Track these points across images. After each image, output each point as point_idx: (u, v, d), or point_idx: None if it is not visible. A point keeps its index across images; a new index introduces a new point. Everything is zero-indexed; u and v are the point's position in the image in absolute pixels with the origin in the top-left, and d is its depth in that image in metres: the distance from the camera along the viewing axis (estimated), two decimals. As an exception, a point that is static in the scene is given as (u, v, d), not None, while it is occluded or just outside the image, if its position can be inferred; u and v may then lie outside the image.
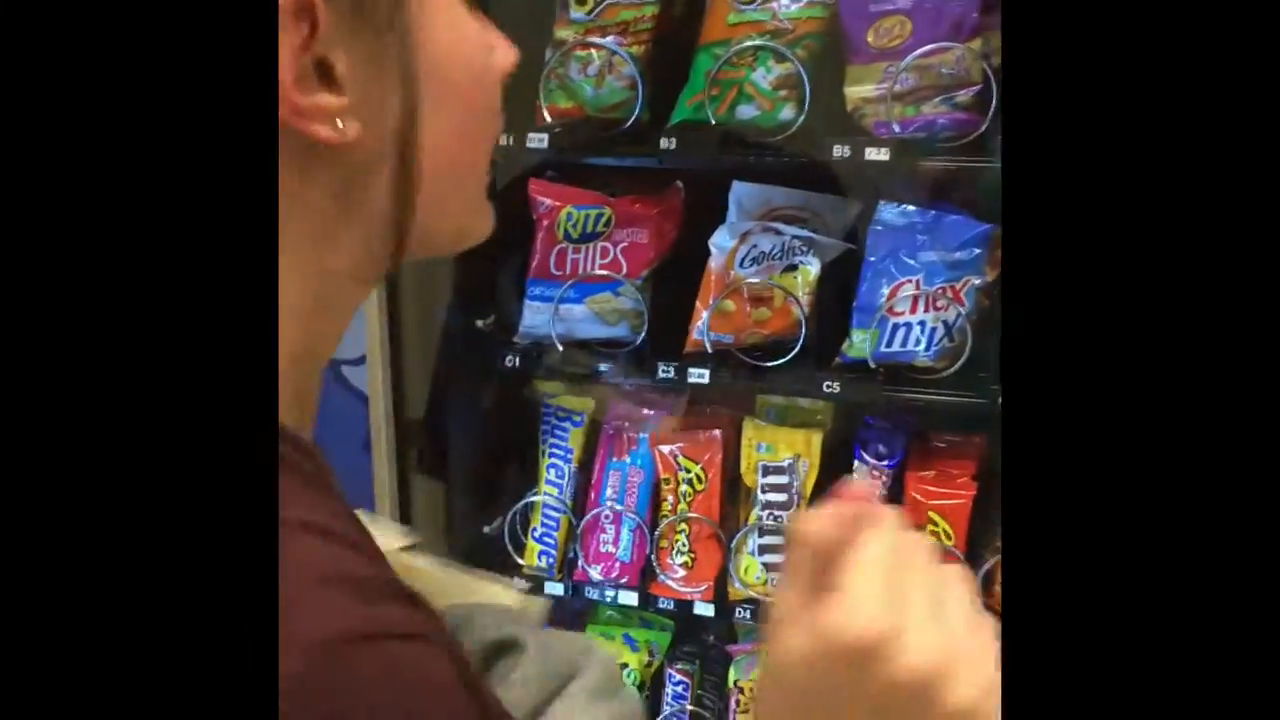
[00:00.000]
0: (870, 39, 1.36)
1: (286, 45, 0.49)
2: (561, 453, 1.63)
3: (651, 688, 1.64)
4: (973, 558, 1.44)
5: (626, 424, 1.62)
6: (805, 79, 1.36)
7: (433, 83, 0.54)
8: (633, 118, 1.42)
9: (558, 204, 1.51)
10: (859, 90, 1.37)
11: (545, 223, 1.51)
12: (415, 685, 0.49)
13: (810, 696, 0.52)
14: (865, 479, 1.49)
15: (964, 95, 1.33)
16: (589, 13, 1.43)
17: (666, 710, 1.63)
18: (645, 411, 1.63)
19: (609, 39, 1.42)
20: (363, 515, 0.59)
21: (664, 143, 1.41)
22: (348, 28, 0.51)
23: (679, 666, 1.64)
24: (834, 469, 1.51)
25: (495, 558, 1.60)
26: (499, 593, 0.78)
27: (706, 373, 1.48)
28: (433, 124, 0.54)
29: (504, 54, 0.60)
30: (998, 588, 1.42)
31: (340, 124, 0.51)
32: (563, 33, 1.45)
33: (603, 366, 1.54)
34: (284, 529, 0.47)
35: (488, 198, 0.61)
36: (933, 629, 0.50)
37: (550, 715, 0.68)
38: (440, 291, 1.57)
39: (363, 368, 1.46)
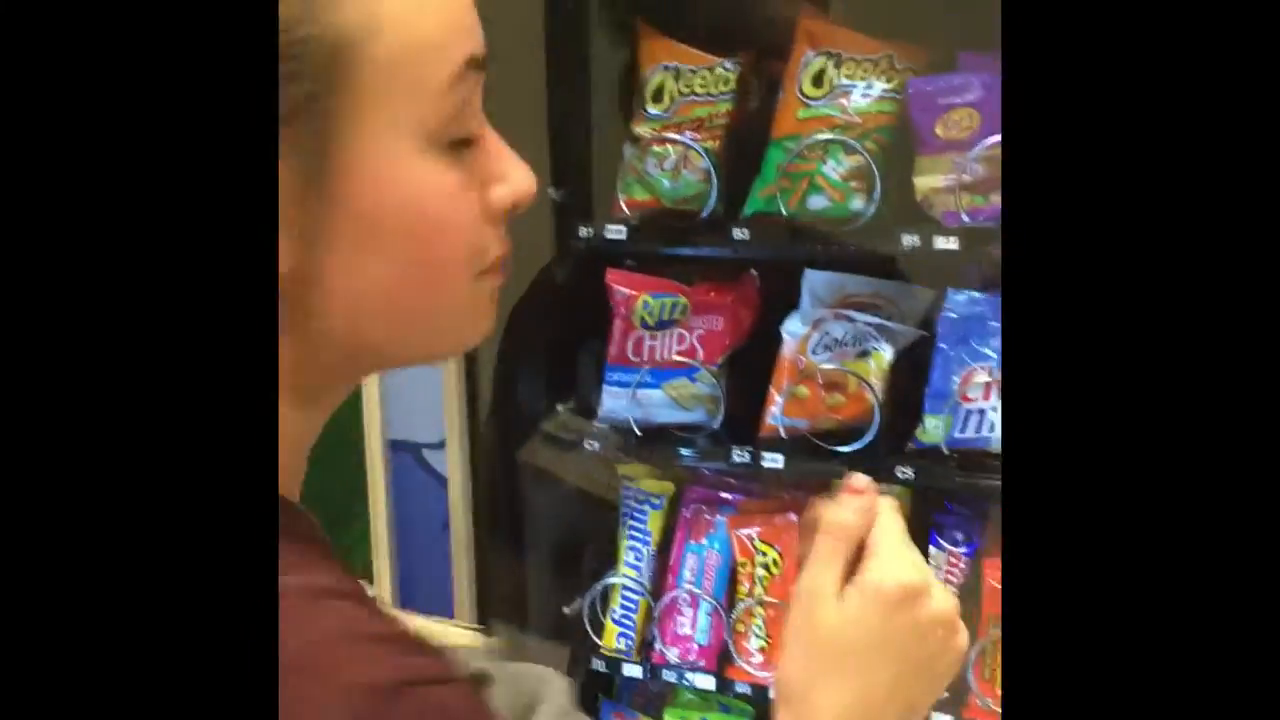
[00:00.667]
0: (939, 131, 1.39)
1: None
2: (641, 535, 1.66)
3: (729, 773, 1.64)
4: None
5: (704, 507, 1.65)
6: (875, 171, 1.39)
7: (361, 232, 0.57)
8: (708, 209, 1.46)
9: (634, 292, 1.55)
10: (928, 181, 1.40)
11: (623, 310, 1.56)
12: None
13: (851, 646, 0.67)
14: (940, 561, 1.49)
15: (1033, 184, 1.35)
16: (665, 110, 1.49)
17: (744, 796, 1.63)
18: (723, 495, 1.65)
19: (684, 134, 1.47)
20: None
21: (737, 233, 1.45)
22: (296, 182, 0.55)
23: (757, 752, 1.64)
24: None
25: (574, 638, 1.63)
26: (453, 633, 0.86)
27: (781, 458, 1.50)
28: (375, 269, 0.58)
29: (512, 188, 0.62)
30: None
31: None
32: (640, 129, 1.51)
33: (682, 451, 1.58)
34: (310, 596, 0.52)
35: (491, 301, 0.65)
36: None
37: None
38: (520, 376, 1.62)
39: (442, 451, 1.52)
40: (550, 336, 1.63)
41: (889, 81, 1.41)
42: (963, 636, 0.71)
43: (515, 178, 0.62)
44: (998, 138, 1.34)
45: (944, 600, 0.69)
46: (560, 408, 1.62)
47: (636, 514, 1.67)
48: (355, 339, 0.60)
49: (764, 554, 1.58)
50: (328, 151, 0.55)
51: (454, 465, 1.52)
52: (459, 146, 0.59)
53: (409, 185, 0.57)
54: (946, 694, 1.41)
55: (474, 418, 1.54)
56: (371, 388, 1.27)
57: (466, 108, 0.59)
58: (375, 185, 0.57)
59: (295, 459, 0.63)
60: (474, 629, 0.92)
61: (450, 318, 0.63)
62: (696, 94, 1.48)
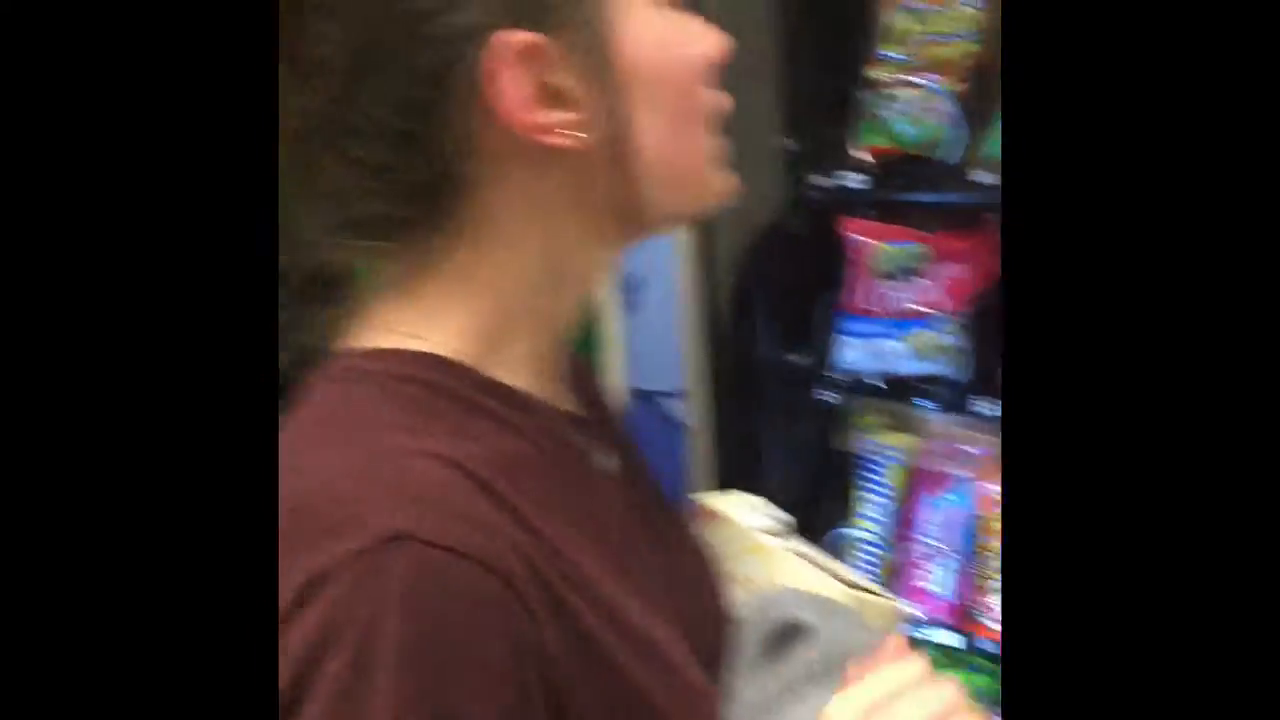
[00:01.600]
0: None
1: (527, 77, 0.58)
2: (880, 489, 1.64)
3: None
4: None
5: (947, 461, 1.61)
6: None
7: (638, 90, 0.61)
8: (954, 155, 1.42)
9: (873, 241, 1.53)
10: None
11: (859, 259, 1.54)
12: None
13: None
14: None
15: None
16: (904, 52, 1.45)
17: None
18: (967, 449, 1.61)
19: (926, 78, 1.43)
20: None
21: (981, 177, 1.40)
22: (569, 58, 0.59)
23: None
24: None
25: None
26: (828, 585, 0.81)
27: (1028, 411, 1.45)
28: (644, 123, 0.62)
29: (709, 44, 0.65)
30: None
31: (574, 134, 0.59)
32: (876, 73, 1.47)
33: (923, 403, 1.55)
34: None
35: (718, 169, 0.67)
36: None
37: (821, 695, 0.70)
38: (755, 327, 1.62)
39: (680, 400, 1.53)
40: (786, 286, 1.62)
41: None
42: None
43: (711, 37, 0.66)
44: None
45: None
46: (794, 358, 1.61)
47: (874, 467, 1.65)
48: (637, 202, 0.64)
49: (1010, 509, 1.53)
50: (604, 26, 0.60)
51: (695, 415, 1.53)
52: (677, 5, 0.64)
53: (664, 40, 0.63)
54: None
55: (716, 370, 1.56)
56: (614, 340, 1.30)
57: None
58: (643, 46, 0.62)
59: (558, 342, 0.67)
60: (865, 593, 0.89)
61: (702, 173, 0.66)
62: (940, 34, 1.43)
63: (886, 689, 0.65)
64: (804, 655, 0.75)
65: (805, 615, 0.76)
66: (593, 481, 0.68)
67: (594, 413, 0.72)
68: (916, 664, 0.67)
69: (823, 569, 0.84)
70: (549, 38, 0.58)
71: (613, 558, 0.64)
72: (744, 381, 1.61)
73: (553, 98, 0.59)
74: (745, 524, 0.87)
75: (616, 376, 1.34)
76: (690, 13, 0.65)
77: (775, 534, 0.85)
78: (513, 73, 0.57)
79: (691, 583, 0.77)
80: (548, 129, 0.59)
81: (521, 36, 0.57)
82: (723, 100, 0.66)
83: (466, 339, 0.62)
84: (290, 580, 0.52)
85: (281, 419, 0.58)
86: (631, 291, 1.46)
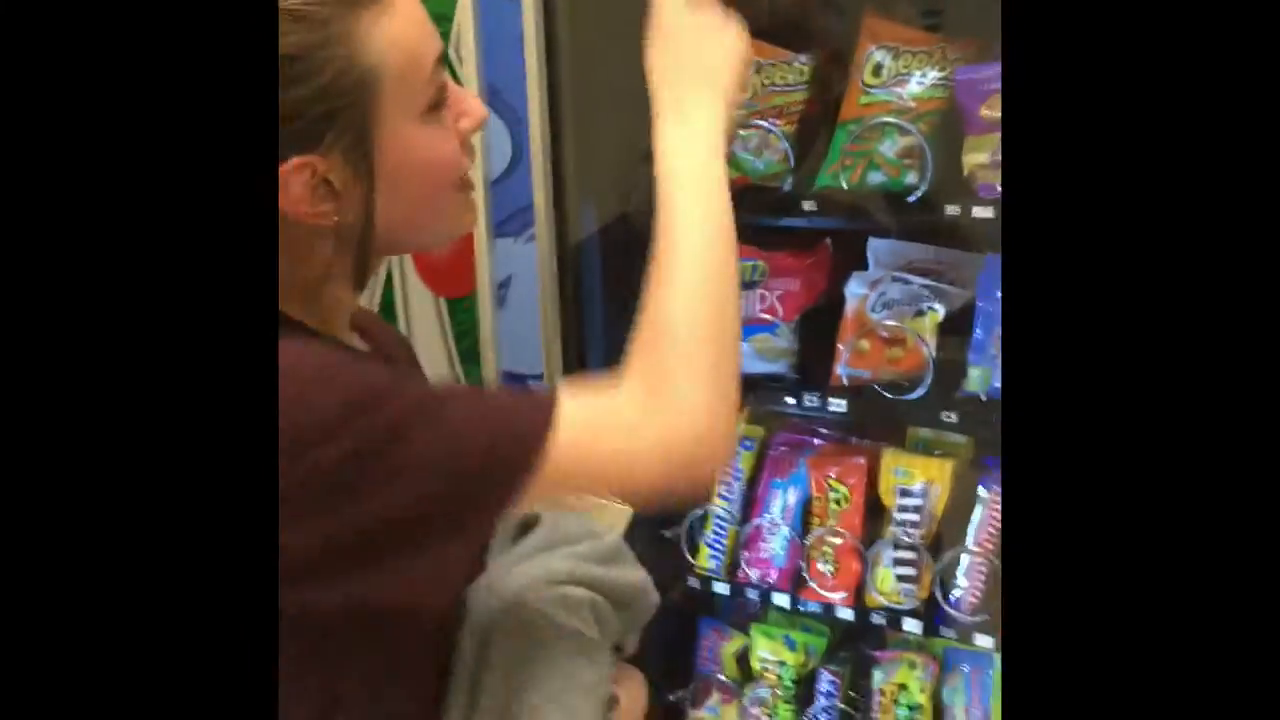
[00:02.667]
0: (984, 113, 1.56)
1: (303, 180, 0.87)
2: (734, 471, 1.89)
3: (806, 685, 1.86)
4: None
5: (788, 449, 1.86)
6: (926, 149, 1.58)
7: (388, 185, 0.91)
8: (786, 185, 1.68)
9: (723, 258, 1.78)
10: (975, 158, 1.57)
11: (713, 273, 1.79)
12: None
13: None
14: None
15: (1067, 161, 1.51)
16: (750, 100, 1.71)
17: (819, 705, 1.84)
18: (806, 439, 1.87)
19: (767, 120, 1.70)
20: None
21: (807, 205, 1.67)
22: (339, 166, 0.89)
23: (831, 668, 1.85)
24: (963, 492, 1.69)
25: (672, 558, 1.88)
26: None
27: (845, 403, 1.70)
28: (389, 206, 0.92)
29: (467, 123, 0.95)
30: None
31: (331, 217, 0.90)
32: (732, 115, 1.74)
33: (766, 397, 1.80)
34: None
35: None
36: None
37: (532, 561, 1.00)
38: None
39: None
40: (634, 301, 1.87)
41: (941, 70, 1.60)
42: (736, 39, 1.06)
43: (472, 109, 0.96)
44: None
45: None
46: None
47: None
48: (390, 244, 0.96)
49: (836, 491, 1.78)
50: (368, 138, 0.89)
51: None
52: (438, 109, 0.92)
53: (417, 145, 0.91)
54: (987, 616, 1.60)
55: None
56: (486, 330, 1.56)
57: (441, 83, 0.92)
58: (398, 151, 0.90)
59: (347, 311, 1.01)
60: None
61: (446, 221, 0.99)
62: (776, 85, 1.70)
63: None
64: (536, 535, 1.04)
65: (534, 512, 1.05)
66: None
67: (374, 348, 1.05)
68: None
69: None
70: (326, 152, 0.87)
71: None
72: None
73: (326, 193, 0.89)
74: None
75: (489, 360, 1.60)
76: (462, 91, 0.95)
77: None
78: (296, 179, 0.87)
79: None
80: (313, 215, 0.89)
81: (296, 162, 0.86)
82: (472, 158, 0.97)
83: (294, 309, 0.93)
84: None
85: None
86: (501, 288, 1.72)
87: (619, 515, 1.26)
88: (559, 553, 1.07)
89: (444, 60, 0.95)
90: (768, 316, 1.77)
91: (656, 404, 0.89)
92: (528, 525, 1.10)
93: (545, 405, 0.86)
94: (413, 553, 0.84)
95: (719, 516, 1.88)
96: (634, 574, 1.14)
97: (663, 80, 1.03)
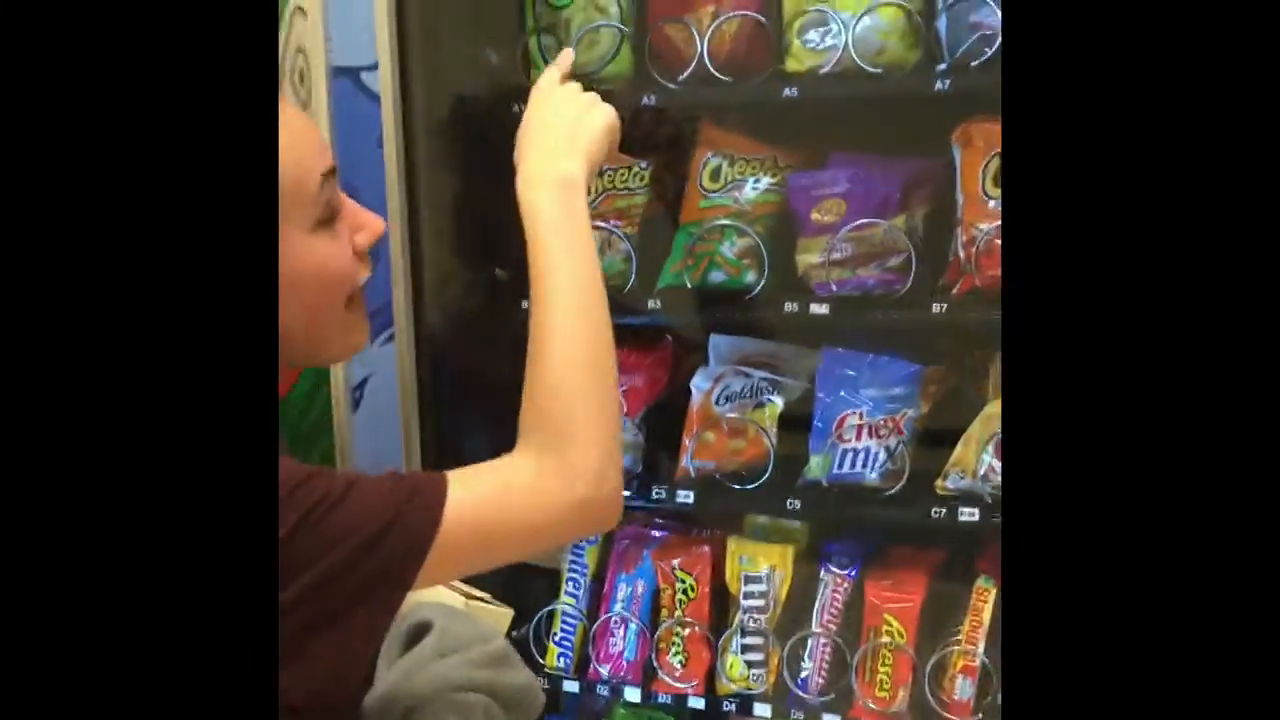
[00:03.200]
0: (814, 216, 1.67)
1: None
2: (579, 567, 1.91)
3: (658, 779, 1.87)
4: (921, 652, 1.66)
5: (633, 543, 1.89)
6: (763, 250, 1.67)
7: (287, 292, 0.89)
8: (628, 284, 1.74)
9: (568, 355, 1.82)
10: (807, 258, 1.68)
11: (558, 371, 1.83)
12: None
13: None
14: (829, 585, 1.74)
15: (893, 261, 1.63)
16: (592, 202, 1.77)
17: (669, 801, 1.85)
18: (650, 532, 1.90)
19: (609, 222, 1.76)
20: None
21: (650, 304, 1.73)
22: None
23: (680, 760, 1.87)
24: (803, 577, 1.76)
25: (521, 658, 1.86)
26: (454, 598, 1.11)
27: (692, 494, 1.75)
28: (291, 313, 0.91)
29: (363, 236, 0.99)
30: (946, 680, 1.64)
31: None
32: (573, 218, 1.80)
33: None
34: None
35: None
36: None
37: (427, 669, 1.01)
38: (466, 436, 1.88)
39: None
40: (496, 397, 1.88)
41: (773, 176, 1.70)
42: (603, 110, 1.14)
43: (369, 223, 0.99)
44: (861, 221, 1.62)
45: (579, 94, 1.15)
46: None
47: (575, 549, 1.91)
48: (294, 351, 0.96)
49: (683, 580, 1.82)
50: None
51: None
52: (331, 222, 0.95)
53: (307, 255, 0.94)
54: (833, 695, 1.66)
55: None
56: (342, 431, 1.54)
57: (332, 197, 0.95)
58: (290, 261, 0.91)
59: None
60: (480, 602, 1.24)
61: (339, 335, 1.00)
62: (617, 188, 1.77)
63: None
64: (428, 642, 1.04)
65: (429, 615, 1.05)
66: None
67: None
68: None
69: (455, 589, 1.16)
70: None
71: None
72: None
73: None
74: None
75: (345, 461, 1.57)
76: (359, 207, 0.98)
77: None
78: None
79: None
80: None
81: None
82: (367, 272, 0.99)
83: None
84: None
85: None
86: (356, 390, 1.70)
87: (502, 617, 1.27)
88: (451, 660, 1.07)
89: (333, 174, 0.97)
90: (613, 412, 1.81)
91: (554, 461, 0.96)
92: (419, 633, 1.10)
93: (442, 480, 0.93)
94: (326, 625, 0.86)
95: (566, 614, 1.89)
96: (522, 675, 1.16)
97: (528, 139, 1.08)
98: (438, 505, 0.91)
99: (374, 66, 1.50)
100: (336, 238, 0.96)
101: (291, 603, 0.83)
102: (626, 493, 1.74)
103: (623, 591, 1.88)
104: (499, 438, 1.83)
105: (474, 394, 1.79)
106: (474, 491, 0.94)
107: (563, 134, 1.10)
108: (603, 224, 1.75)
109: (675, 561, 1.84)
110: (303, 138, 0.95)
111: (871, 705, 1.67)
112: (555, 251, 1.03)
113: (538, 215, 1.05)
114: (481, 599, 1.25)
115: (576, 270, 1.03)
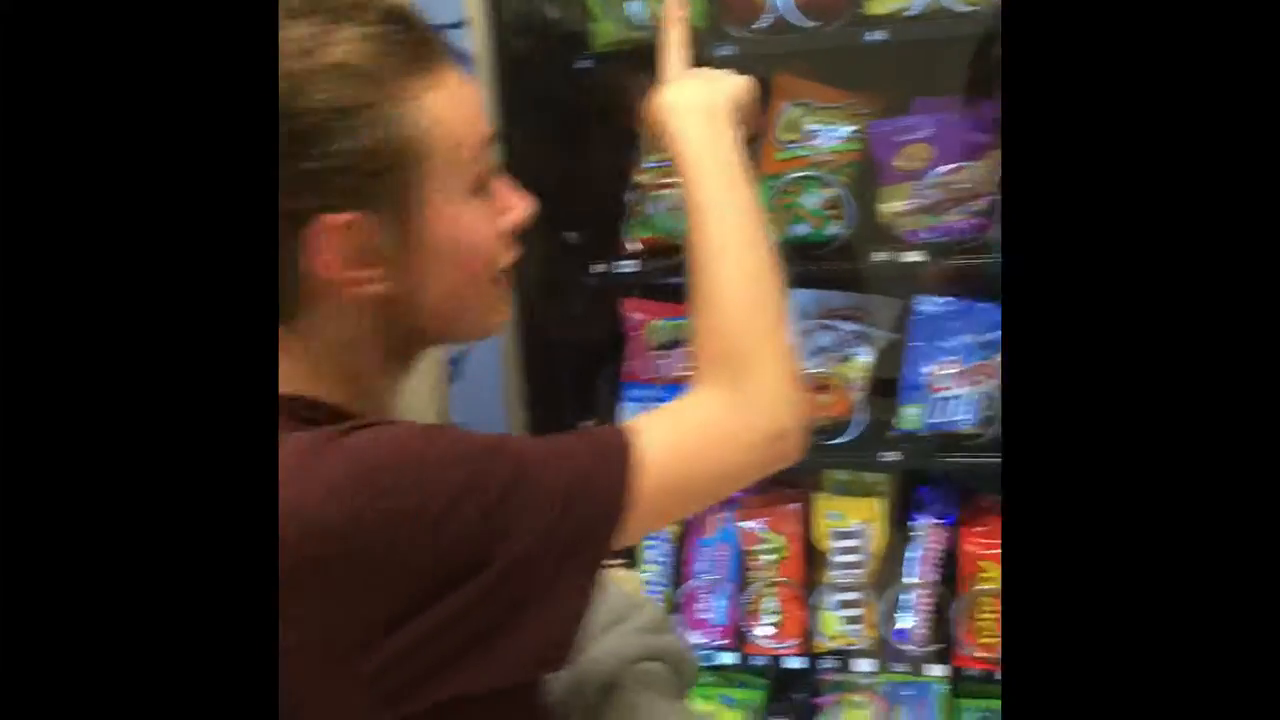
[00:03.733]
0: (897, 164, 1.65)
1: (343, 244, 0.81)
2: (659, 534, 1.88)
3: (751, 742, 1.85)
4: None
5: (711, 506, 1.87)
6: (847, 200, 1.65)
7: (433, 260, 0.85)
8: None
9: (646, 317, 1.79)
10: (891, 206, 1.65)
11: (636, 334, 1.79)
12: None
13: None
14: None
15: (979, 204, 1.61)
16: (663, 159, 1.73)
17: (765, 761, 1.83)
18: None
19: (681, 179, 1.72)
20: None
21: (732, 260, 1.69)
22: (381, 231, 0.83)
23: (773, 721, 1.85)
24: (893, 529, 1.75)
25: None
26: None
27: (781, 452, 1.72)
28: (433, 282, 0.86)
29: (512, 217, 0.91)
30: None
31: (372, 287, 0.84)
32: (640, 178, 1.76)
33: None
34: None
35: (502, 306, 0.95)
36: None
37: (600, 643, 0.97)
38: (546, 397, 1.84)
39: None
40: (572, 361, 1.85)
41: (854, 125, 1.68)
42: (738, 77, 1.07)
43: (519, 206, 0.92)
44: (949, 166, 1.60)
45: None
46: (581, 425, 1.84)
47: (654, 516, 1.88)
48: (424, 330, 0.90)
49: (771, 541, 1.80)
50: (409, 212, 0.84)
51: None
52: (482, 192, 0.89)
53: (460, 223, 0.87)
54: (942, 645, 1.64)
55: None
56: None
57: (485, 168, 0.89)
58: (442, 225, 0.86)
59: (394, 398, 0.94)
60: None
61: (479, 313, 0.93)
62: (690, 145, 1.73)
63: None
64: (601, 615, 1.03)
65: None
66: None
67: None
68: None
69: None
70: (367, 214, 0.82)
71: None
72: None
73: (366, 257, 0.83)
74: None
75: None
76: (510, 187, 0.91)
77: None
78: (330, 241, 0.81)
79: None
80: (354, 282, 0.83)
81: (341, 217, 0.80)
82: (513, 254, 0.92)
83: (307, 384, 0.86)
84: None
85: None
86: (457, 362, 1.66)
87: (636, 580, 1.23)
88: (617, 631, 1.04)
89: (490, 142, 0.91)
90: (693, 373, 1.77)
91: (740, 396, 0.91)
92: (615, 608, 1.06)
93: (624, 432, 0.87)
94: (540, 593, 0.82)
95: (650, 582, 1.85)
96: (680, 639, 1.13)
97: (672, 112, 1.03)
98: (624, 461, 0.86)
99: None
100: (487, 210, 0.90)
101: (497, 580, 0.80)
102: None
103: (706, 556, 1.85)
104: (588, 403, 1.82)
105: (557, 362, 1.76)
106: (665, 437, 0.89)
107: (702, 80, 1.07)
108: (674, 179, 1.71)
109: (760, 521, 1.82)
110: (463, 97, 0.89)
111: (978, 653, 1.67)
112: (710, 179, 0.99)
113: (688, 142, 1.00)
114: (620, 573, 1.21)
115: (734, 199, 0.99)
